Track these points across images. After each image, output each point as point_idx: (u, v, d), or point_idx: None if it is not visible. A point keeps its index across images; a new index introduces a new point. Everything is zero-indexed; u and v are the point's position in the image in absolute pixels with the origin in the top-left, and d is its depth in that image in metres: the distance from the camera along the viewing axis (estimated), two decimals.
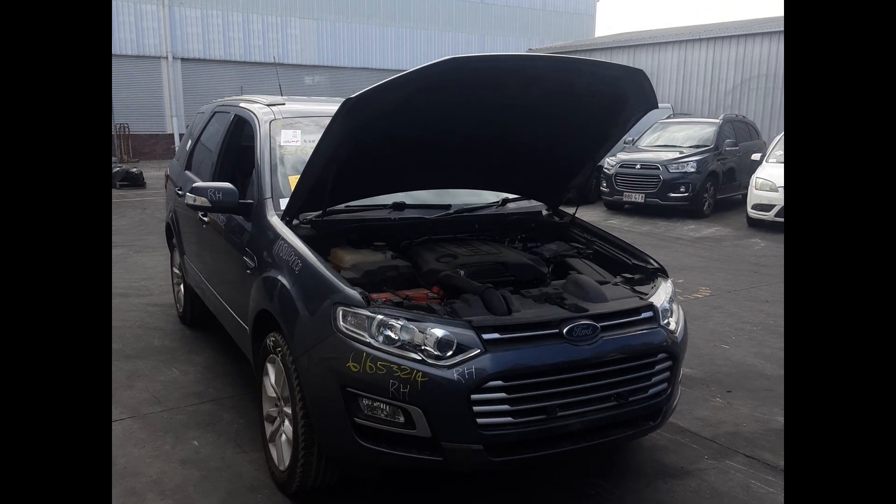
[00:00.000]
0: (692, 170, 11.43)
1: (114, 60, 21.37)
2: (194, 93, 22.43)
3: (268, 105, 4.04)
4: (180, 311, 5.50)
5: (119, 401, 4.01)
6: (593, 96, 3.07)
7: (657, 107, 3.16)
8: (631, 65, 3.09)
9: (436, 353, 2.53)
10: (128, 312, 5.76)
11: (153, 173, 16.71)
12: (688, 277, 7.30)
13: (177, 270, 5.48)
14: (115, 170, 15.32)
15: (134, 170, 15.49)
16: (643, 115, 3.22)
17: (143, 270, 7.31)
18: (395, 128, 2.96)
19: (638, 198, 11.77)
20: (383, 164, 3.24)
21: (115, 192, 14.11)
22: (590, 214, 12.00)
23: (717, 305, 6.27)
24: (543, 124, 3.26)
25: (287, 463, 2.97)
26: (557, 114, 3.18)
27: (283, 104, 4.07)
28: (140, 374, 4.44)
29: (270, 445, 3.18)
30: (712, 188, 11.83)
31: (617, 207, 12.43)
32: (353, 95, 2.62)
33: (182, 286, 5.33)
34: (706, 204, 11.71)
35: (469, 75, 2.72)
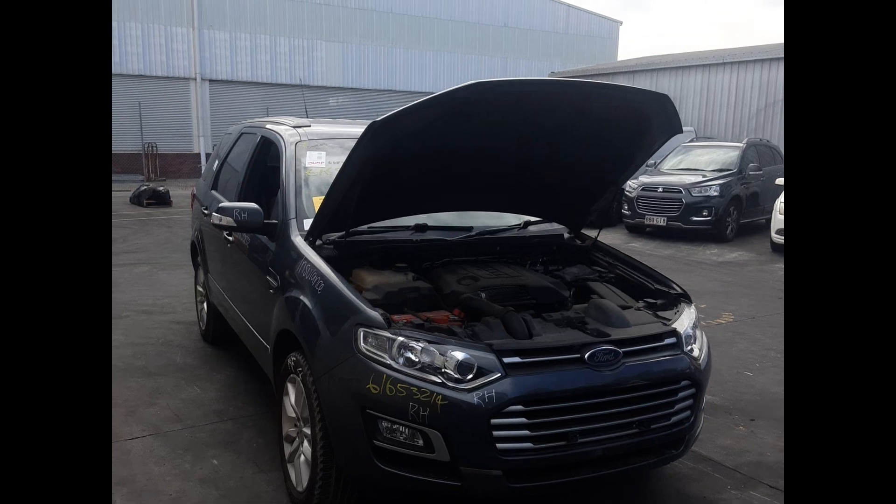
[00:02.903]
0: (715, 194, 11.35)
1: (144, 81, 21.90)
2: (221, 113, 22.82)
3: (294, 127, 4.10)
4: (203, 328, 5.55)
5: (141, 418, 4.04)
6: (617, 121, 3.07)
7: (681, 132, 3.15)
8: (653, 88, 3.10)
9: (456, 376, 2.52)
10: (151, 330, 5.82)
11: (179, 192, 16.94)
12: (710, 303, 7.21)
13: (200, 288, 5.54)
14: (142, 188, 15.60)
15: (161, 188, 15.73)
16: (667, 140, 3.21)
17: (167, 288, 7.40)
18: (419, 151, 2.99)
19: (660, 221, 11.70)
20: (406, 186, 3.26)
21: (141, 210, 14.36)
22: (611, 237, 11.94)
23: (740, 331, 6.18)
24: (566, 148, 3.27)
25: (305, 484, 2.97)
26: (581, 137, 3.19)
27: (309, 126, 4.13)
28: (162, 391, 4.47)
29: (289, 466, 3.18)
30: (735, 212, 11.72)
31: (638, 230, 12.36)
32: (378, 119, 2.65)
33: (205, 304, 5.38)
34: (729, 228, 11.60)
35: (493, 100, 2.74)
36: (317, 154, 3.78)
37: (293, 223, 3.43)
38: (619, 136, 3.21)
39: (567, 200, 3.75)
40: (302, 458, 3.04)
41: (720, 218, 11.33)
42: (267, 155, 4.37)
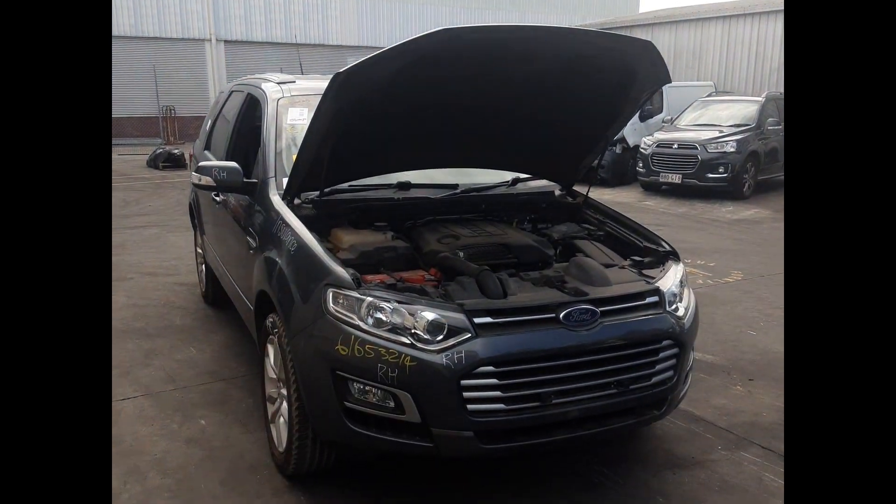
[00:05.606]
0: (732, 150, 11.04)
1: (159, 43, 21.87)
2: (237, 74, 22.53)
3: (278, 83, 4.00)
4: (203, 290, 5.56)
5: (134, 379, 4.07)
6: (601, 71, 2.93)
7: (669, 81, 3.00)
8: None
9: (425, 336, 2.47)
10: (154, 291, 5.85)
11: None
12: (720, 261, 7.05)
13: (199, 250, 5.53)
14: (158, 151, 15.67)
15: (175, 151, 15.77)
16: (655, 91, 3.08)
17: (174, 250, 7.42)
18: (392, 104, 2.88)
19: (675, 179, 11.43)
20: (382, 142, 3.16)
21: (156, 173, 14.43)
22: (626, 196, 11.73)
23: (748, 290, 6.04)
24: (550, 100, 3.14)
25: (285, 444, 2.96)
26: (564, 89, 3.06)
27: (294, 82, 4.02)
28: (158, 352, 4.49)
29: (271, 426, 3.17)
30: (753, 169, 11.41)
31: (654, 188, 12.11)
32: (341, 70, 2.55)
33: (204, 265, 5.38)
34: (746, 185, 11.31)
35: (464, 48, 2.62)
36: (298, 111, 3.68)
37: (272, 182, 3.36)
38: (605, 88, 3.07)
39: (555, 156, 3.62)
40: (282, 419, 3.02)
41: (737, 175, 11.04)
42: (254, 113, 4.28)
